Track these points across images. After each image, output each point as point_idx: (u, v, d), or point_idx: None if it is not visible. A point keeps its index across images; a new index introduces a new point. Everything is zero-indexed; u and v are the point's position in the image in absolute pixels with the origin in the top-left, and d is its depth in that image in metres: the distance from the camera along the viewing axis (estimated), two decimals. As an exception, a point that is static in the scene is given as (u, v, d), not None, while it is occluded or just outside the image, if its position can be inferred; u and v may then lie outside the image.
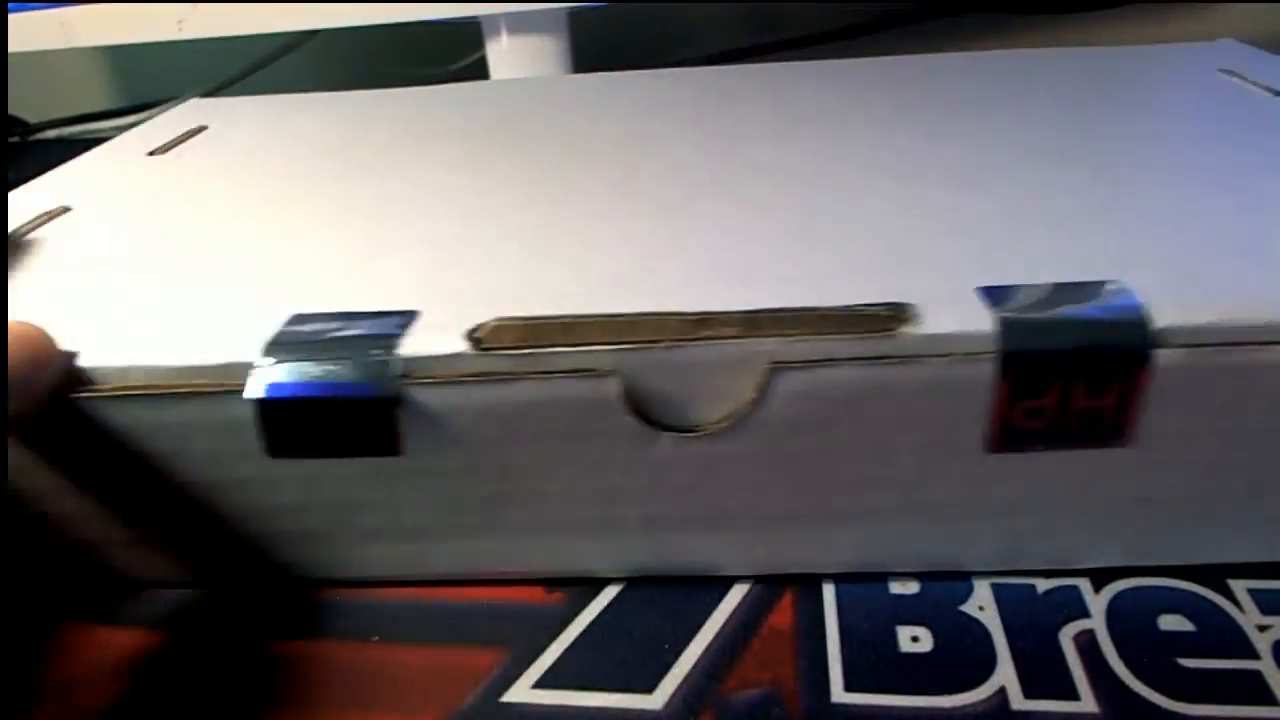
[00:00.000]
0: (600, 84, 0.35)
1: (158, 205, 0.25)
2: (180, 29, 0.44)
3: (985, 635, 0.17)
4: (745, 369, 0.16)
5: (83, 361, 0.17)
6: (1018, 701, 0.16)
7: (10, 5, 0.45)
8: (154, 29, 0.44)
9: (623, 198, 0.23)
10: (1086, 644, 0.17)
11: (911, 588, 0.19)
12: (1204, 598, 0.18)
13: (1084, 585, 0.18)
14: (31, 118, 0.55)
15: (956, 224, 0.20)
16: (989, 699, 0.16)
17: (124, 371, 0.17)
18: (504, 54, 0.46)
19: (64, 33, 0.45)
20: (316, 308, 0.18)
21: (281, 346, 0.17)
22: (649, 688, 0.17)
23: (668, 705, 0.17)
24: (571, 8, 0.45)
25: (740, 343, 0.16)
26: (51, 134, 0.55)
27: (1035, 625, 0.18)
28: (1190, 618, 0.17)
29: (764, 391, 0.16)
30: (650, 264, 0.19)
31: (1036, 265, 0.18)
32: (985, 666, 0.17)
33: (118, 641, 0.19)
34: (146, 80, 0.63)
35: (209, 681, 0.18)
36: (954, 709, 0.16)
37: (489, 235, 0.21)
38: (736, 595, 0.19)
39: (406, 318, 0.17)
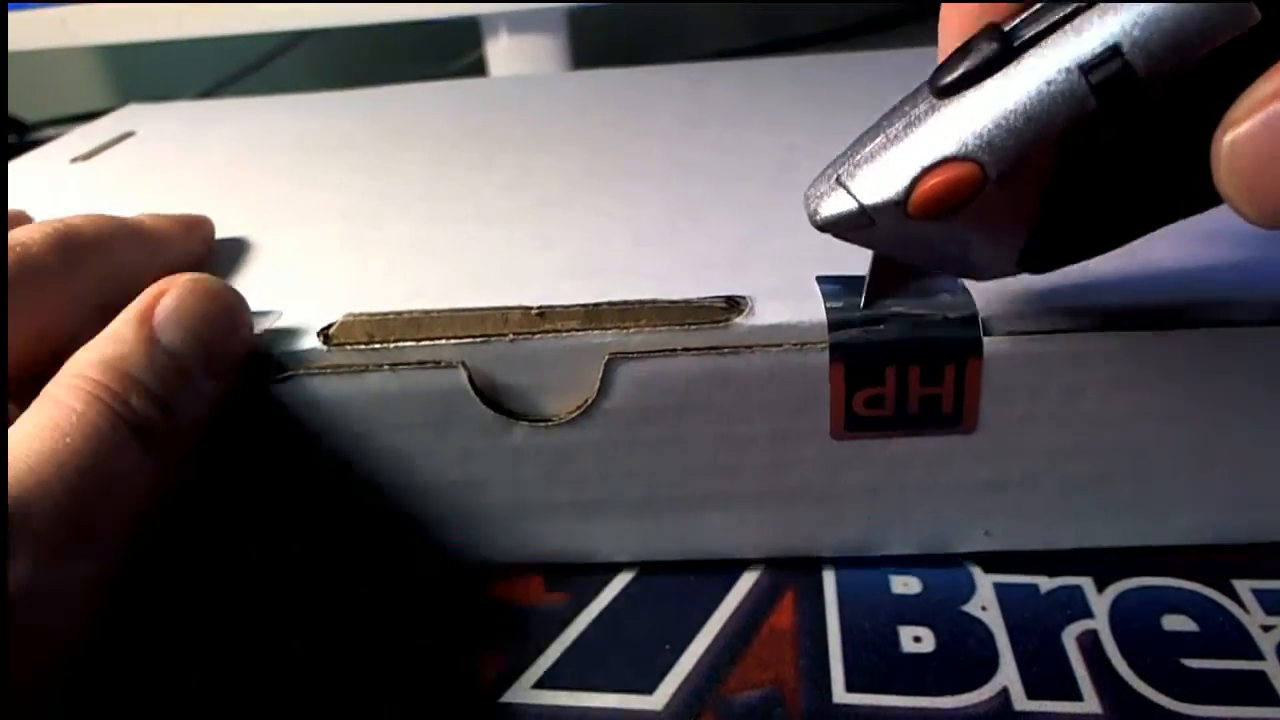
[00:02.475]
0: (527, 85, 0.36)
1: (70, 213, 0.25)
2: (179, 27, 0.44)
3: (988, 635, 0.17)
4: (589, 360, 0.17)
5: None
6: (1020, 702, 0.16)
7: (10, 4, 0.44)
8: (153, 27, 0.44)
9: (508, 197, 0.24)
10: (1090, 644, 0.17)
11: (914, 587, 0.19)
12: (1207, 598, 0.18)
13: (1087, 585, 0.18)
14: (30, 117, 0.55)
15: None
16: (991, 699, 0.16)
17: None
18: (503, 53, 0.46)
19: (64, 31, 0.45)
20: None
21: None
22: (649, 688, 0.17)
23: (668, 706, 0.16)
24: (571, 7, 0.44)
25: (580, 335, 0.17)
26: (50, 133, 0.55)
27: (1038, 625, 0.17)
28: (1194, 618, 0.17)
29: (606, 382, 0.17)
30: (513, 261, 0.20)
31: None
32: (988, 667, 0.17)
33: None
34: (145, 79, 0.63)
35: (204, 682, 0.18)
36: (956, 710, 0.16)
37: (369, 237, 0.22)
38: (737, 595, 0.19)
39: (269, 316, 0.18)
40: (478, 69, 0.49)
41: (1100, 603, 0.18)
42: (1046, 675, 0.16)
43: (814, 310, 0.17)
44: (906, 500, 0.18)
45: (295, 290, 0.19)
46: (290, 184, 0.26)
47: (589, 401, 0.17)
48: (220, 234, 0.23)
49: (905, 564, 0.19)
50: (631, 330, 0.17)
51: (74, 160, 0.31)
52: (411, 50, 0.54)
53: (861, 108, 0.28)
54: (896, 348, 0.16)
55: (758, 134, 0.27)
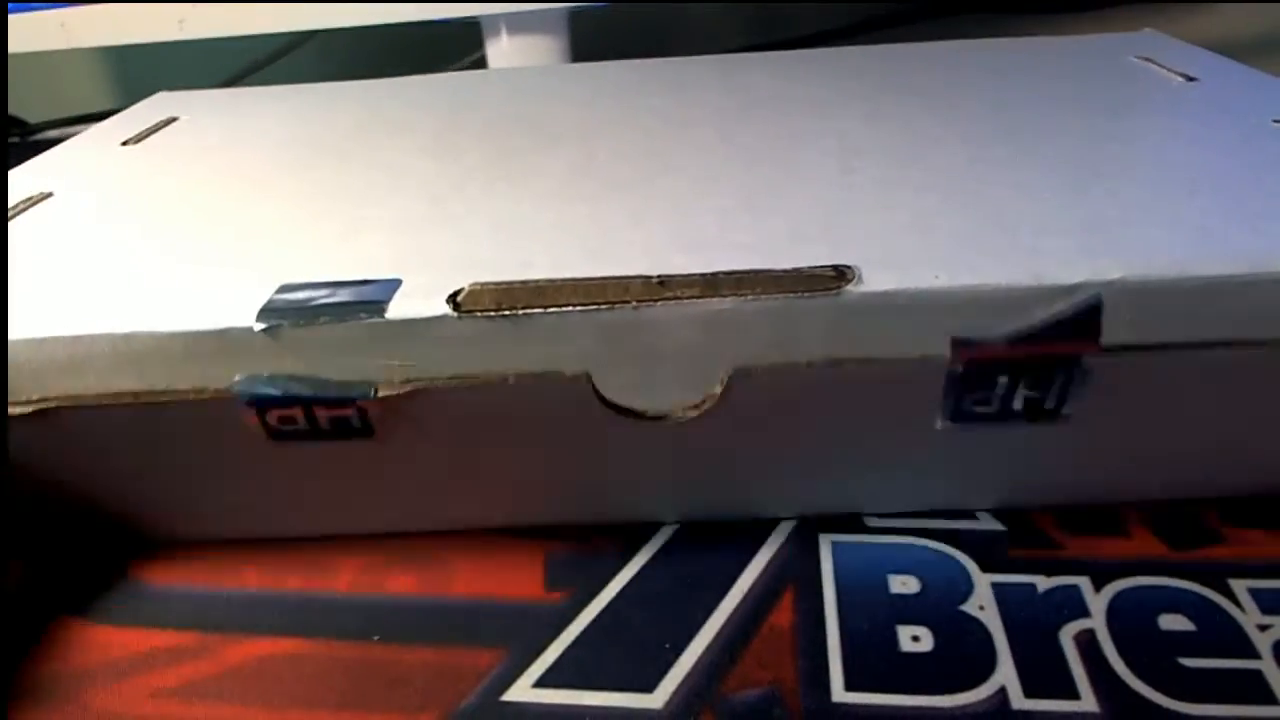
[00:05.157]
0: (565, 74, 0.36)
1: (138, 191, 0.26)
2: (181, 29, 0.44)
3: (985, 635, 0.17)
4: (710, 333, 0.17)
5: (87, 328, 0.18)
6: (1018, 701, 0.16)
7: (10, 5, 0.45)
8: (154, 29, 0.44)
9: (582, 178, 0.24)
10: (1087, 643, 0.17)
11: (912, 587, 0.19)
12: (1204, 597, 0.18)
13: (1084, 584, 0.18)
14: (31, 118, 0.55)
15: (891, 198, 0.21)
16: (990, 698, 0.16)
17: (128, 338, 0.18)
18: (504, 54, 0.46)
19: (64, 33, 0.45)
20: (300, 279, 0.19)
21: (274, 313, 0.18)
22: (649, 687, 0.17)
23: (668, 704, 0.17)
24: (572, 7, 0.45)
25: (700, 302, 0.17)
26: (52, 134, 0.55)
27: (1035, 624, 0.18)
28: (1191, 617, 0.18)
29: (727, 390, 0.18)
30: (611, 236, 0.20)
31: (959, 232, 0.19)
32: (986, 666, 0.17)
33: (118, 640, 0.19)
34: (147, 81, 0.63)
35: (201, 682, 0.18)
36: (955, 708, 0.16)
37: (458, 213, 0.22)
38: (737, 594, 0.19)
39: (390, 285, 0.18)
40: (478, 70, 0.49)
41: (1097, 602, 0.18)
42: (1044, 674, 0.17)
43: (919, 279, 0.17)
44: (993, 476, 0.20)
45: (404, 261, 0.19)
46: (357, 164, 0.26)
47: (705, 404, 0.18)
48: (297, 210, 0.23)
49: (904, 564, 0.19)
50: (749, 298, 0.17)
51: (124, 143, 0.31)
52: (412, 51, 0.54)
53: (892, 96, 0.29)
54: (1007, 361, 0.17)
55: (805, 121, 0.27)
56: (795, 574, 0.19)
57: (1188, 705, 0.16)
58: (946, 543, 0.20)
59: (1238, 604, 0.18)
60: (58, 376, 0.18)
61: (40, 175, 0.28)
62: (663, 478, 0.20)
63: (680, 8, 0.56)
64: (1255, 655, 0.17)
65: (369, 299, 0.18)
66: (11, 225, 0.24)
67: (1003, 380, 0.18)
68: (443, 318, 0.17)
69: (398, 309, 0.18)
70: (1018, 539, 0.20)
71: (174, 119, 0.34)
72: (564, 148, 0.26)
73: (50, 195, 0.26)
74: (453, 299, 0.18)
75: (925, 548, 0.20)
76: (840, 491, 0.20)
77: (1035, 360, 0.17)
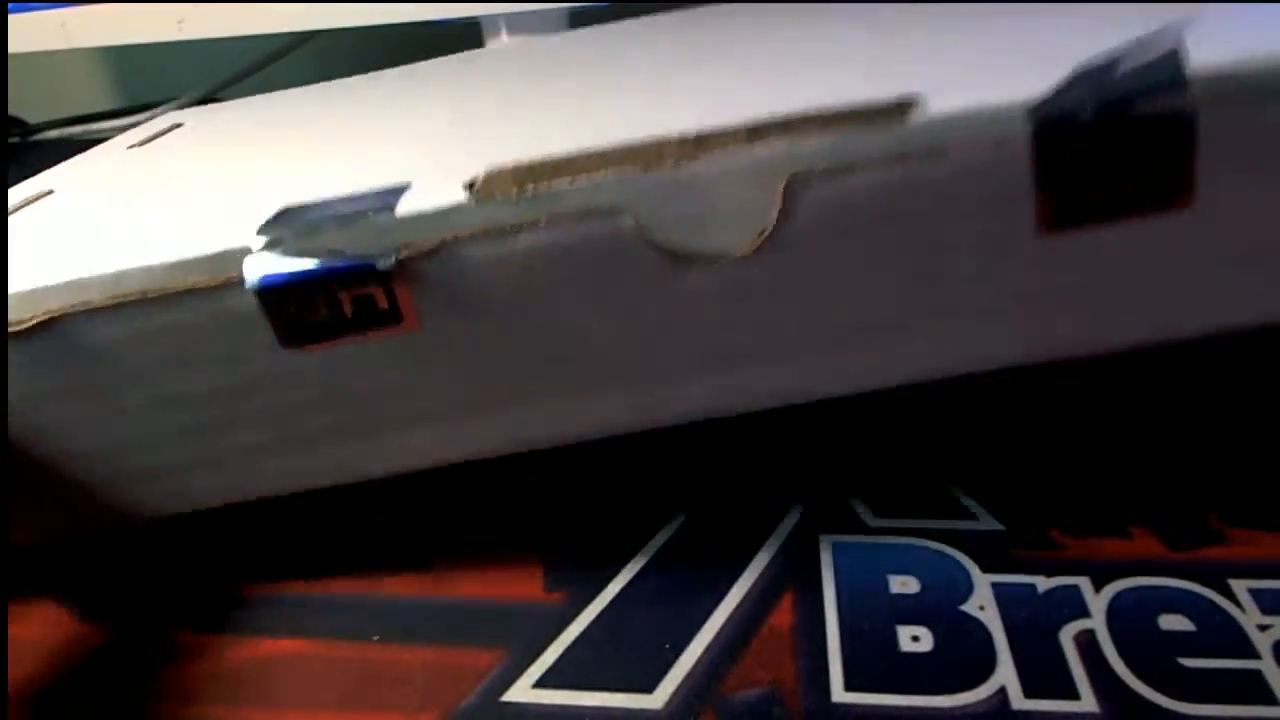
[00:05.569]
0: (554, 43, 0.35)
1: (140, 179, 0.26)
2: (180, 29, 0.44)
3: (985, 634, 0.17)
4: (763, 182, 0.15)
5: (75, 273, 0.16)
6: (1018, 701, 0.16)
7: (10, 5, 0.45)
8: (154, 29, 0.44)
9: (601, 95, 0.22)
10: (1087, 643, 0.17)
11: (912, 587, 0.19)
12: (1204, 597, 0.18)
13: (1084, 584, 0.18)
14: (31, 118, 0.55)
15: (938, 54, 0.19)
16: (989, 698, 0.16)
17: (118, 277, 0.16)
18: (504, 54, 0.46)
19: (64, 33, 0.45)
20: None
21: (274, 227, 0.16)
22: (649, 687, 0.17)
23: (668, 704, 0.17)
24: (572, 8, 0.45)
25: (748, 149, 0.15)
26: (52, 134, 0.55)
27: (1035, 624, 0.18)
28: (1191, 617, 0.17)
29: (788, 206, 0.15)
30: (637, 117, 0.18)
31: (1026, 61, 0.16)
32: (985, 666, 0.17)
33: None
34: (147, 81, 0.63)
35: (203, 680, 0.18)
36: (954, 708, 0.16)
37: (475, 126, 0.21)
38: (737, 595, 0.19)
39: (398, 189, 0.16)
40: (478, 70, 0.49)
41: (1097, 602, 0.18)
42: (1044, 674, 0.17)
43: (994, 98, 0.15)
44: (1124, 290, 0.16)
45: (413, 168, 0.18)
46: (370, 138, 0.24)
47: (767, 231, 0.15)
48: (307, 155, 0.22)
49: (904, 564, 0.19)
50: (802, 140, 0.15)
51: (130, 147, 0.31)
52: (411, 51, 0.54)
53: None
54: (1100, 137, 0.14)
55: (823, 26, 0.24)
56: (795, 574, 0.19)
57: (1188, 705, 0.16)
58: (946, 543, 0.20)
59: (1238, 604, 0.18)
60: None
61: (44, 182, 0.28)
62: (715, 349, 0.17)
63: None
64: (1255, 655, 0.17)
65: (378, 205, 0.16)
66: (11, 219, 0.24)
67: (1101, 157, 0.15)
68: (460, 207, 0.15)
69: (409, 205, 0.16)
70: (1018, 539, 0.20)
71: (179, 125, 0.34)
72: (570, 81, 0.24)
73: (50, 192, 0.26)
74: (469, 185, 0.16)
75: (925, 548, 0.20)
76: (916, 352, 0.17)
77: (1130, 133, 0.14)
